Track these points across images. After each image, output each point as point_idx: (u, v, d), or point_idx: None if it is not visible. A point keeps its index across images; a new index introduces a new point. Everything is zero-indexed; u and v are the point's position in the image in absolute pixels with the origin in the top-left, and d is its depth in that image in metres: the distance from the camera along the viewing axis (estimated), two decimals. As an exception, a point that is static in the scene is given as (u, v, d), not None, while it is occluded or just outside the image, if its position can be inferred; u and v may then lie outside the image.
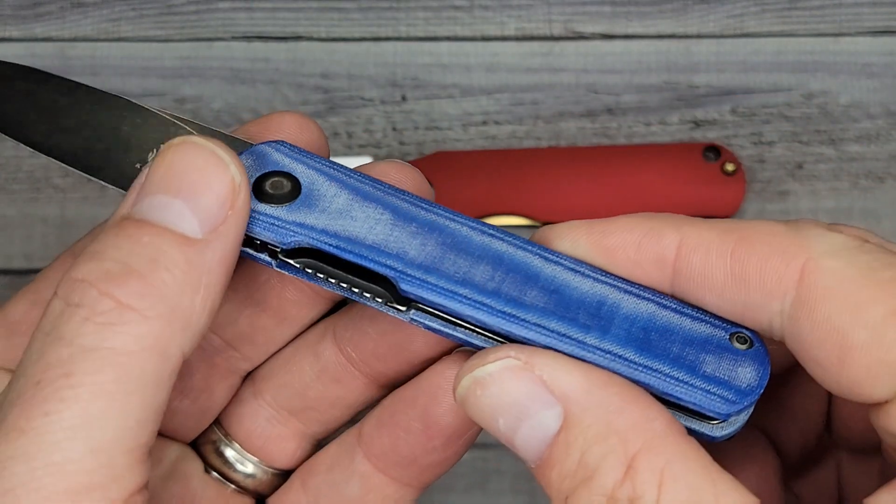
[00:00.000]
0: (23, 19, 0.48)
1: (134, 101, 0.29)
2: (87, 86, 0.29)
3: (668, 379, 0.24)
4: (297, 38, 0.48)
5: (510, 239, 0.25)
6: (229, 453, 0.30)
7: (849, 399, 0.23)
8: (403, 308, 0.25)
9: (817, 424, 0.29)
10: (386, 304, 0.25)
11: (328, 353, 0.28)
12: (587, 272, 0.24)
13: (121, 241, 0.23)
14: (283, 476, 0.30)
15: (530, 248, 0.25)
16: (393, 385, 0.29)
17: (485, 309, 0.24)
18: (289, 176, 0.26)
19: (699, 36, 0.48)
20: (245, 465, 0.30)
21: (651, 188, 0.45)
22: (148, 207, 0.23)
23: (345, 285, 0.25)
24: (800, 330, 0.23)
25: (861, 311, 0.22)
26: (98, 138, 0.29)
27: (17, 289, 0.47)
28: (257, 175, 0.25)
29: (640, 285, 0.25)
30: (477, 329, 0.25)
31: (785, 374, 0.28)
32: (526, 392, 0.23)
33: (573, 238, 0.25)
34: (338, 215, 0.25)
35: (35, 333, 0.22)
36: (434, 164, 0.45)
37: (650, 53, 0.48)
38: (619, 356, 0.24)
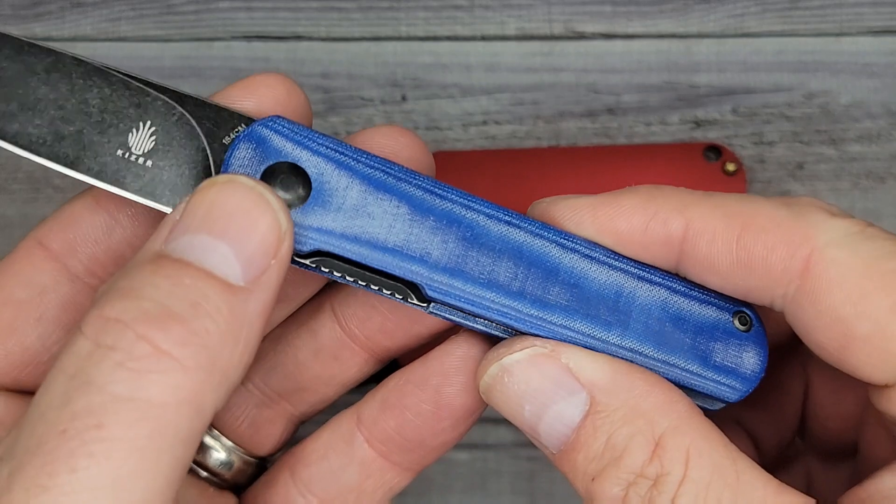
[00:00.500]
0: (22, 19, 0.48)
1: (90, 60, 0.26)
2: (34, 44, 0.26)
3: (683, 372, 0.25)
4: (297, 37, 0.48)
5: (525, 224, 0.25)
6: (206, 440, 0.28)
7: (849, 375, 0.24)
8: (424, 304, 0.25)
9: (793, 424, 0.30)
10: (406, 300, 0.25)
11: (326, 330, 0.28)
12: (601, 258, 0.25)
13: (159, 280, 0.21)
14: (260, 465, 0.29)
15: (546, 234, 0.25)
16: (389, 359, 0.28)
17: (512, 314, 0.25)
18: (296, 168, 0.24)
19: (700, 35, 0.48)
20: (220, 452, 0.29)
21: None
22: (188, 247, 0.22)
23: (363, 283, 0.25)
24: (803, 315, 0.24)
25: (865, 303, 0.23)
26: (65, 118, 0.25)
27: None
28: (263, 168, 0.24)
29: (650, 268, 0.26)
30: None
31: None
32: (553, 379, 0.24)
33: (577, 220, 0.25)
34: (354, 213, 0.24)
35: (55, 372, 0.20)
36: (434, 164, 0.46)
37: (651, 53, 0.48)
38: (640, 353, 0.25)
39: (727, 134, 0.47)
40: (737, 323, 0.26)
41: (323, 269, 0.25)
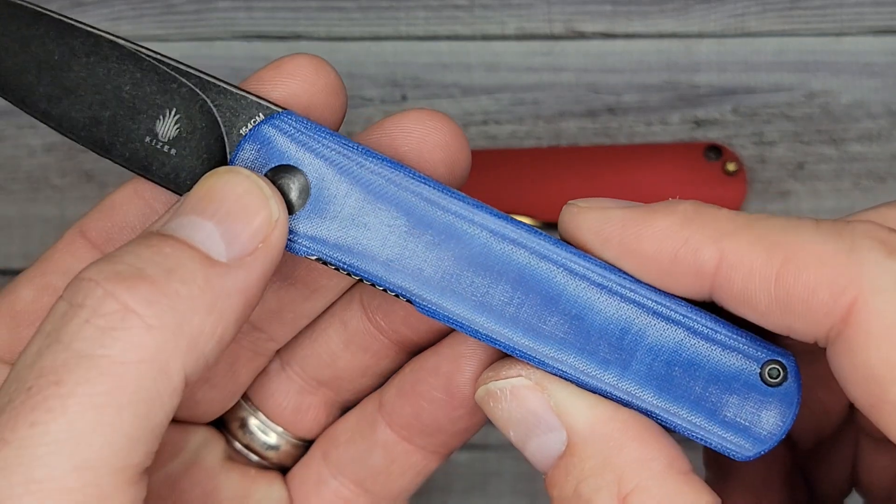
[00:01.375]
0: (22, 18, 0.48)
1: (123, 42, 0.26)
2: (76, 26, 0.26)
3: (685, 423, 0.23)
4: (297, 37, 0.48)
5: (534, 243, 0.24)
6: (254, 424, 0.29)
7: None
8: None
9: (836, 418, 0.28)
10: (408, 302, 0.24)
11: (355, 322, 0.28)
12: (615, 287, 0.23)
13: (140, 248, 0.21)
14: (306, 447, 0.30)
15: (555, 255, 0.23)
16: (418, 351, 0.28)
17: (501, 341, 0.24)
18: (296, 172, 0.24)
19: (700, 35, 0.48)
20: (269, 435, 0.29)
21: (652, 188, 0.45)
22: (177, 225, 0.22)
23: (369, 282, 0.24)
24: (839, 363, 0.22)
25: None
26: (102, 103, 0.26)
27: (15, 289, 0.47)
28: (264, 171, 0.24)
29: (671, 300, 0.23)
30: None
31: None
32: (534, 413, 0.23)
33: (604, 237, 0.24)
34: (349, 223, 0.24)
35: (36, 333, 0.21)
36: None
37: (651, 53, 0.48)
38: (637, 397, 0.23)
39: (728, 134, 0.47)
40: (765, 375, 0.23)
41: (329, 265, 0.24)
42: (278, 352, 0.29)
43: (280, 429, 0.29)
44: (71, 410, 0.20)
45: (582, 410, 0.23)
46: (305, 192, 0.24)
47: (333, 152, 0.24)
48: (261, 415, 0.29)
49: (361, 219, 0.24)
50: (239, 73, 0.47)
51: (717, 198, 0.45)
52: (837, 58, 0.48)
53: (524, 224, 0.24)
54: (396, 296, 0.24)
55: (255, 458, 0.29)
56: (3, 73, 0.26)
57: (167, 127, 0.26)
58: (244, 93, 0.25)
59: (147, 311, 0.20)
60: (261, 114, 0.25)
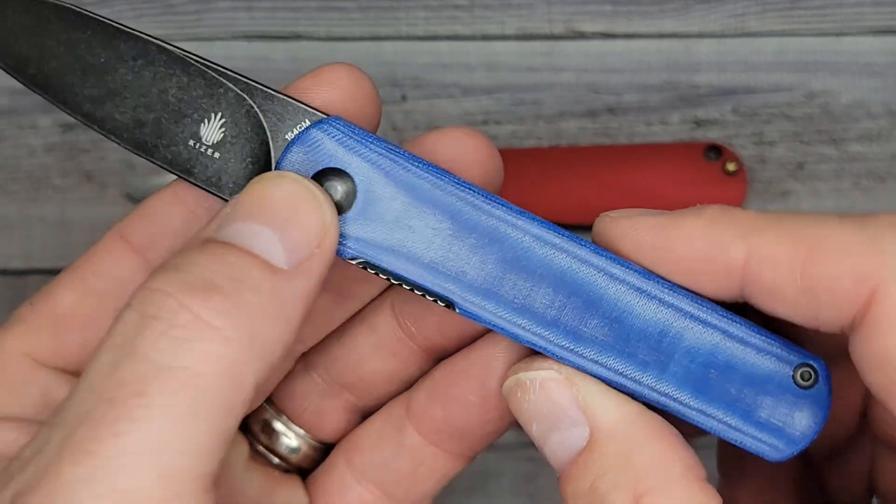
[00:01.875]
0: (22, 19, 0.48)
1: (171, 47, 0.26)
2: (124, 29, 0.26)
3: (721, 424, 0.24)
4: (297, 37, 0.48)
5: (575, 248, 0.24)
6: (277, 426, 0.29)
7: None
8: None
9: (849, 426, 0.28)
10: (446, 307, 0.24)
11: (385, 328, 0.28)
12: (654, 291, 0.24)
13: (204, 258, 0.22)
14: (325, 451, 0.30)
15: (596, 260, 0.24)
16: (447, 356, 0.28)
17: (542, 343, 0.24)
18: (343, 175, 0.24)
19: (700, 35, 0.48)
20: (291, 438, 0.29)
21: (652, 188, 0.45)
22: (235, 232, 0.22)
23: (407, 287, 0.24)
24: (859, 350, 0.22)
25: None
26: (146, 106, 0.26)
27: (16, 289, 0.47)
28: (312, 174, 0.24)
29: (707, 304, 0.24)
30: None
31: None
32: (560, 406, 0.24)
33: (637, 243, 0.24)
34: (395, 225, 0.24)
35: (105, 344, 0.21)
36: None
37: (651, 53, 0.48)
38: (674, 399, 0.24)
39: (728, 134, 0.47)
40: (798, 378, 0.24)
41: (370, 269, 0.25)
42: (303, 354, 0.29)
43: (302, 431, 0.29)
44: (154, 421, 0.20)
45: (609, 408, 0.23)
46: (352, 195, 0.24)
47: (380, 156, 0.24)
48: (284, 417, 0.29)
49: (407, 222, 0.24)
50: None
51: (717, 198, 0.45)
52: (837, 58, 0.48)
53: (565, 230, 0.24)
54: (436, 299, 0.24)
55: (276, 460, 0.29)
56: (47, 74, 0.26)
57: (212, 131, 0.26)
58: (290, 99, 0.26)
59: (221, 323, 0.21)
60: (307, 119, 0.25)
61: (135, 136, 0.26)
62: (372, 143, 0.25)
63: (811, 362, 0.24)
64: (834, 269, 0.22)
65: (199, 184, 0.26)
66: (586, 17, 0.48)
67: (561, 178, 0.45)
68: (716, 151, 0.46)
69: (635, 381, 0.24)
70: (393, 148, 0.25)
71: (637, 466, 0.22)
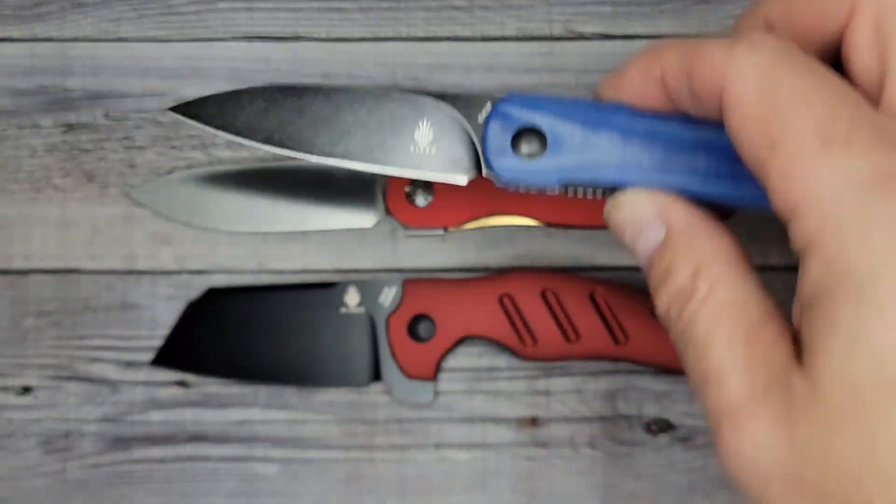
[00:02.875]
0: (23, 19, 0.48)
1: (372, 89, 0.36)
2: (324, 86, 0.36)
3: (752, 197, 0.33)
4: (298, 38, 0.48)
5: (663, 123, 0.33)
6: None
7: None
8: None
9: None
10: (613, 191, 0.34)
11: None
12: (679, 126, 0.33)
13: None
14: None
15: (668, 122, 0.33)
16: None
17: (666, 187, 0.33)
18: (534, 130, 0.34)
19: (700, 36, 0.48)
20: None
21: None
22: None
23: (601, 186, 0.34)
24: (728, 121, 0.30)
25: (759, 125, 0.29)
26: (371, 132, 0.36)
27: (17, 289, 0.47)
28: (510, 135, 0.34)
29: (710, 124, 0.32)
30: None
31: None
32: (645, 215, 0.32)
33: (604, 89, 0.35)
34: (581, 150, 0.34)
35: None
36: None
37: (650, 53, 0.48)
38: (716, 193, 0.33)
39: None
40: None
41: (569, 186, 0.34)
42: None
43: None
44: None
45: (678, 212, 0.32)
46: (543, 142, 0.34)
47: (555, 108, 0.34)
48: None
49: (587, 145, 0.34)
50: (239, 73, 0.48)
51: None
52: (836, 58, 0.48)
53: (656, 115, 0.33)
54: (614, 188, 0.34)
55: None
56: (289, 136, 0.36)
57: (424, 133, 0.36)
58: (468, 93, 0.36)
59: None
60: (488, 101, 0.35)
61: (370, 155, 0.36)
62: (544, 101, 0.34)
63: None
64: (703, 72, 0.30)
65: (432, 174, 0.36)
66: (585, 18, 0.48)
67: None
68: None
69: (690, 190, 0.33)
70: (560, 100, 0.34)
71: (697, 249, 0.31)
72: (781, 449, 0.28)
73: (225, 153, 0.47)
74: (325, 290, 0.46)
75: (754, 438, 0.28)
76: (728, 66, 0.29)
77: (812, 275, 0.28)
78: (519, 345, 0.45)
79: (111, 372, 0.46)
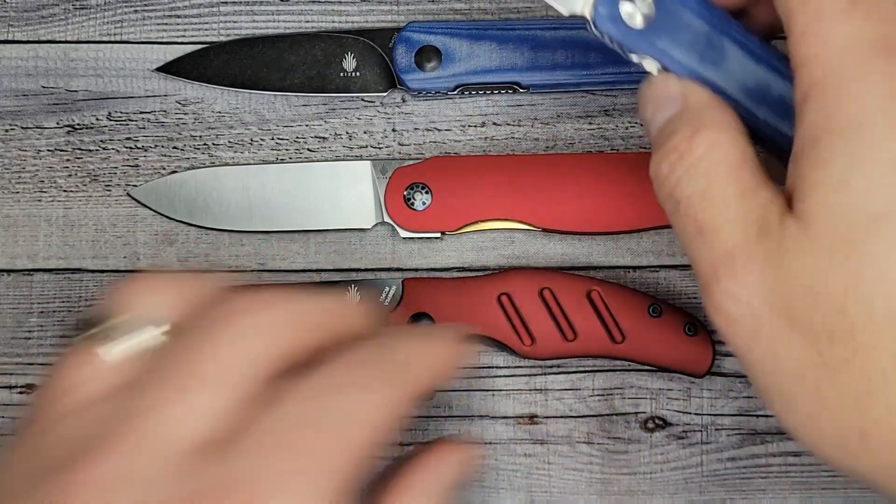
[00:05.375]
0: (27, 21, 0.48)
1: (305, 32, 0.48)
2: (275, 35, 0.47)
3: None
4: (298, 40, 0.48)
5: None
6: None
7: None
8: None
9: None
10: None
11: None
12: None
13: None
14: None
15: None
16: None
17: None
18: (432, 48, 0.46)
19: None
20: None
21: (650, 198, 0.45)
22: None
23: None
24: None
25: None
26: (309, 66, 0.47)
27: (21, 288, 0.48)
28: (413, 54, 0.46)
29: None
30: None
31: None
32: (666, 92, 0.34)
33: None
34: (468, 59, 0.46)
35: None
36: (432, 168, 0.46)
37: (646, 56, 0.48)
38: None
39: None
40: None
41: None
42: None
43: None
44: None
45: (698, 93, 0.33)
46: (440, 57, 0.46)
47: (445, 29, 0.46)
48: None
49: (473, 55, 0.46)
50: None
51: None
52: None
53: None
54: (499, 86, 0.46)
55: None
56: (248, 77, 0.47)
57: (350, 63, 0.46)
58: (380, 27, 0.47)
59: None
60: (395, 31, 0.46)
61: (311, 85, 0.46)
62: (437, 25, 0.47)
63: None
64: None
65: (356, 94, 0.47)
66: (583, 21, 0.48)
67: (558, 185, 0.46)
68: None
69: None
70: (449, 23, 0.47)
71: (701, 116, 0.32)
72: (773, 289, 0.30)
73: (227, 153, 0.47)
74: (326, 290, 0.46)
75: (748, 281, 0.30)
76: None
77: (808, 120, 0.30)
78: (517, 343, 0.45)
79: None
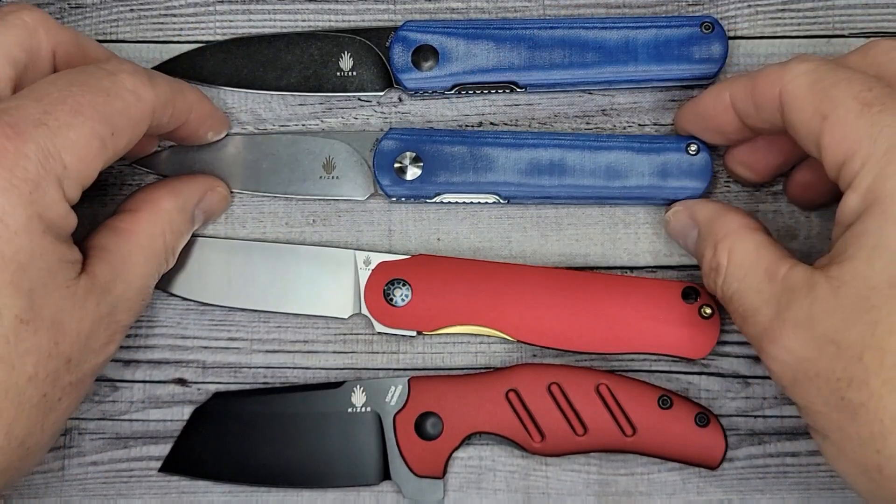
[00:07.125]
0: (22, 21, 0.48)
1: (303, 32, 0.47)
2: (272, 36, 0.47)
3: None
4: (295, 39, 0.48)
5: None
6: None
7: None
8: None
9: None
10: None
11: None
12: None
13: None
14: None
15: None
16: None
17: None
18: (429, 47, 0.46)
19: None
20: None
21: (626, 320, 0.45)
22: None
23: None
24: (786, 114, 0.39)
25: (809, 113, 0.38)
26: (306, 66, 0.46)
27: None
28: (410, 52, 0.46)
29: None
30: None
31: None
32: (685, 221, 0.44)
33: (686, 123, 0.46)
34: (465, 58, 0.46)
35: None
36: (416, 265, 0.45)
37: (644, 55, 0.48)
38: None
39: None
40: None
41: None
42: None
43: None
44: None
45: (703, 209, 0.43)
46: (437, 56, 0.46)
47: (442, 28, 0.46)
48: None
49: (470, 54, 0.46)
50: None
51: (690, 339, 0.45)
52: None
53: None
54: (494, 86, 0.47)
55: None
56: (244, 77, 0.47)
57: (347, 62, 0.46)
58: (376, 27, 0.47)
59: None
60: (392, 31, 0.46)
61: (307, 84, 0.46)
62: (434, 24, 0.46)
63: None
64: (763, 86, 0.39)
65: (357, 94, 0.47)
66: (580, 20, 0.48)
67: (538, 298, 0.45)
68: (694, 293, 0.45)
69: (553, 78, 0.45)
70: (446, 22, 0.47)
71: (715, 232, 0.41)
72: (804, 347, 0.36)
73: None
74: (331, 390, 0.45)
75: (784, 345, 0.37)
76: (784, 74, 0.38)
77: (850, 203, 0.36)
78: (527, 440, 0.44)
79: (110, 370, 0.46)
